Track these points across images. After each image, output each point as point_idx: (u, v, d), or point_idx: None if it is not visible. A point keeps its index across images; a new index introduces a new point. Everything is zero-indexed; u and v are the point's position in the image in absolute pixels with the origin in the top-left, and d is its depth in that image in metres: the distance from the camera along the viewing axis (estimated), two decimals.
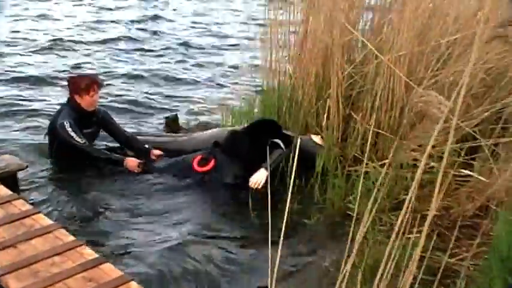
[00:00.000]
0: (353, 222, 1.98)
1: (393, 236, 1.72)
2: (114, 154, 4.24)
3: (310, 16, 4.46)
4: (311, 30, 4.45)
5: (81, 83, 4.17)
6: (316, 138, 4.21)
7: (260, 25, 4.96)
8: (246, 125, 4.29)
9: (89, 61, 6.72)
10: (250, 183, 3.85)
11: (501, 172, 3.53)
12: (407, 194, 3.68)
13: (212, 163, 4.02)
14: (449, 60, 4.11)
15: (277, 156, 3.96)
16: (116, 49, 7.21)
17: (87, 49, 7.19)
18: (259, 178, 3.86)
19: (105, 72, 6.34)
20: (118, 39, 7.58)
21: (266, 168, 3.86)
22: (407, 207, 1.68)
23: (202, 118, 5.32)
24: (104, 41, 7.54)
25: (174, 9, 9.48)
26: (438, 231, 3.46)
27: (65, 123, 4.06)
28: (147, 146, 4.36)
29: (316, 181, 3.96)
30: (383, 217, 3.62)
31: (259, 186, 3.83)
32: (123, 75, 6.33)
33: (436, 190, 1.61)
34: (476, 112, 4.11)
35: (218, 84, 6.38)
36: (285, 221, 1.69)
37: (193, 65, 6.90)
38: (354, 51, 4.65)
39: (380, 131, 4.13)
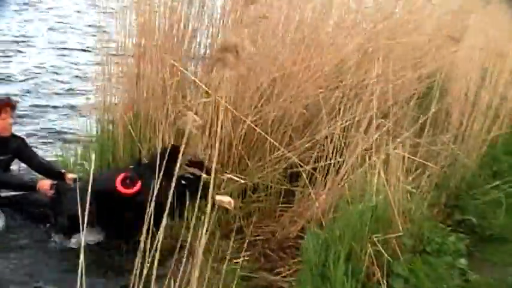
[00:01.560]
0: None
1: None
2: (25, 179, 4.10)
3: (140, 59, 4.61)
4: (143, 72, 4.62)
5: None
6: None
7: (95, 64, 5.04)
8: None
9: None
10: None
11: (317, 196, 3.91)
12: (235, 223, 3.95)
13: (139, 185, 3.68)
14: (272, 97, 4.48)
15: None
16: None
17: None
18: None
19: None
20: None
21: None
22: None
23: None
24: None
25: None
26: (264, 253, 3.75)
27: None
28: (63, 170, 4.22)
29: None
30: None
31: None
32: None
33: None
34: (298, 143, 4.52)
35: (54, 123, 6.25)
36: None
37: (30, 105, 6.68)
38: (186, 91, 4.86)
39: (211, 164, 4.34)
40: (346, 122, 4.33)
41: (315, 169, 4.19)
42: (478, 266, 3.61)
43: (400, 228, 2.91)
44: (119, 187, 3.70)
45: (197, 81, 4.58)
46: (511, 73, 4.82)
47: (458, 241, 3.52)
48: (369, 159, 3.58)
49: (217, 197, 4.07)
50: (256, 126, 4.34)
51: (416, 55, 5.29)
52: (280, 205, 4.25)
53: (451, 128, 4.35)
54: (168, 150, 3.88)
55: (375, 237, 2.82)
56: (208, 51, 4.89)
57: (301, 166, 4.17)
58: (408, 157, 3.83)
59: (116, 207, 3.68)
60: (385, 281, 2.78)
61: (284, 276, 3.46)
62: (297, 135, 4.63)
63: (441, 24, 6.13)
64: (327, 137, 4.27)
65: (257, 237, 3.91)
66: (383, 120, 3.95)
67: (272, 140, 4.27)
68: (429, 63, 5.25)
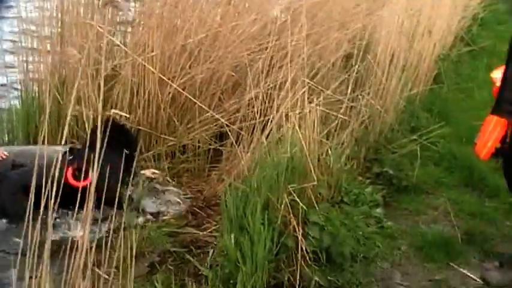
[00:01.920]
0: None
1: None
2: None
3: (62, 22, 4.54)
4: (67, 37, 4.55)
5: None
6: None
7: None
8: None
9: None
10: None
11: (243, 154, 4.01)
12: None
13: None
14: (199, 58, 4.52)
15: None
16: None
17: None
18: None
19: None
20: None
21: None
22: None
23: None
24: None
25: None
26: (192, 211, 3.84)
27: None
28: None
29: None
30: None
31: None
32: None
33: None
34: (227, 105, 4.59)
35: None
36: None
37: None
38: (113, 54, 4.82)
39: (140, 127, 4.38)
40: (272, 82, 4.44)
41: (242, 128, 4.30)
42: (394, 214, 3.82)
43: (315, 178, 3.04)
44: (71, 180, 3.52)
45: (118, 42, 4.57)
46: (426, 34, 5.03)
47: (376, 192, 3.71)
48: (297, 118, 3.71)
49: (142, 172, 4.16)
50: (184, 88, 4.38)
51: (343, 17, 5.41)
52: (209, 165, 4.35)
53: (373, 85, 4.52)
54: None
55: (291, 187, 2.94)
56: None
57: (228, 126, 4.26)
58: (329, 113, 4.01)
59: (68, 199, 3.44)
60: (300, 229, 2.91)
61: (210, 232, 3.55)
62: (226, 96, 4.71)
63: None
64: (252, 98, 4.36)
65: (186, 196, 4.00)
66: (306, 80, 4.06)
67: (200, 104, 4.34)
68: (355, 25, 5.39)
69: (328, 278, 2.98)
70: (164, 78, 4.28)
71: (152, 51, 4.35)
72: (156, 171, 3.98)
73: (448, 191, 4.22)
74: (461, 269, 3.36)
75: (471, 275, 3.32)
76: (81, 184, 3.01)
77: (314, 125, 3.20)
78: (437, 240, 3.52)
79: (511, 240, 3.48)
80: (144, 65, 4.31)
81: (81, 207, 2.43)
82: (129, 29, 4.88)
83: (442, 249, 3.46)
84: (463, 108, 5.63)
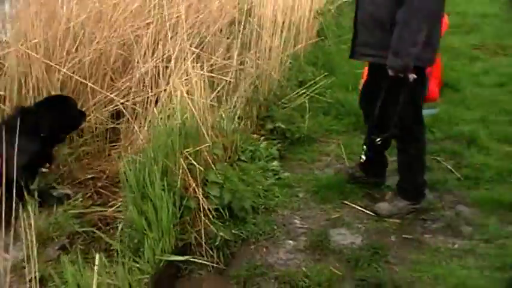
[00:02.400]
0: None
1: None
2: None
3: None
4: None
5: None
6: None
7: None
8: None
9: None
10: None
11: (140, 129, 4.09)
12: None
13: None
14: (84, 40, 4.49)
15: None
16: None
17: None
18: None
19: None
20: None
21: None
22: None
23: None
24: None
25: None
26: (97, 191, 3.89)
27: None
28: None
29: None
30: None
31: None
32: None
33: None
34: (120, 83, 4.61)
35: None
36: None
37: None
38: None
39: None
40: (161, 56, 4.50)
41: (136, 104, 4.35)
42: (290, 165, 4.07)
43: (209, 141, 3.19)
44: None
45: None
46: None
47: (270, 147, 3.93)
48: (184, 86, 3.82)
49: None
50: (74, 72, 4.35)
51: None
52: (108, 144, 4.38)
53: (258, 47, 4.70)
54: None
55: (186, 151, 3.08)
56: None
57: (122, 104, 4.30)
58: (219, 78, 4.15)
59: None
60: (201, 190, 3.06)
61: (118, 207, 3.63)
62: (118, 75, 4.72)
63: None
64: (143, 74, 4.42)
65: (89, 178, 4.03)
66: (192, 49, 4.17)
67: (91, 85, 4.33)
68: None
69: (233, 231, 3.17)
70: (52, 63, 4.23)
71: (34, 39, 4.28)
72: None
73: (339, 137, 4.51)
74: (354, 206, 3.65)
75: (364, 210, 3.63)
76: None
77: (201, 91, 3.33)
78: (331, 182, 3.80)
79: (396, 174, 3.79)
80: (29, 54, 4.24)
81: None
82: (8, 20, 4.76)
83: (336, 190, 3.74)
84: (347, 59, 5.88)
